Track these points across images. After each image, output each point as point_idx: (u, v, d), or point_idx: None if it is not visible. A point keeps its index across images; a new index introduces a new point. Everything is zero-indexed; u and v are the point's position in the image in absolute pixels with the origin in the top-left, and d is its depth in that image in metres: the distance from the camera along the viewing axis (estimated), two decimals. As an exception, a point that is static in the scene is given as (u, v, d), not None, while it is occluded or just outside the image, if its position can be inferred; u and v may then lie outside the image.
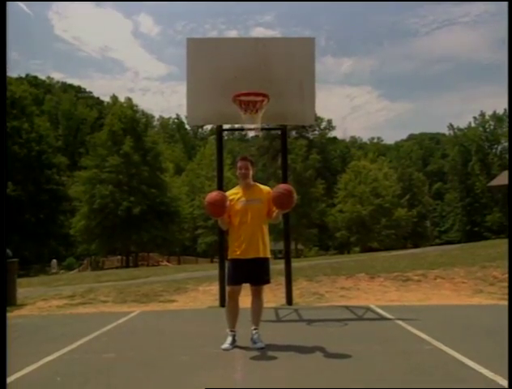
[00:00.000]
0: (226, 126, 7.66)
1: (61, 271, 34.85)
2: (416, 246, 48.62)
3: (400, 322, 5.45)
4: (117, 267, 36.60)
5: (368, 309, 6.61)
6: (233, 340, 4.39)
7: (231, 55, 6.59)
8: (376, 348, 4.29)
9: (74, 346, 4.70)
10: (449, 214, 60.46)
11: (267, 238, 4.49)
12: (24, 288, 11.30)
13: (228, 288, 4.51)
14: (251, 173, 4.50)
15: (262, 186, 4.55)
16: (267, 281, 4.47)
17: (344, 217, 45.79)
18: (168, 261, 42.66)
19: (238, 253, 4.35)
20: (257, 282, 4.43)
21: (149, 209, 36.53)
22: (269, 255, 4.48)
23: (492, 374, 3.32)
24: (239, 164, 4.51)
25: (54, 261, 36.45)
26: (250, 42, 6.83)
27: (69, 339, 5.00)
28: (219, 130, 7.27)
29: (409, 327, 5.14)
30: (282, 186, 4.47)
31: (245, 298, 4.58)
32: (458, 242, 47.38)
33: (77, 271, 36.91)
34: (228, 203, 4.31)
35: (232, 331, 4.45)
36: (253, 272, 4.36)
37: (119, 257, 40.18)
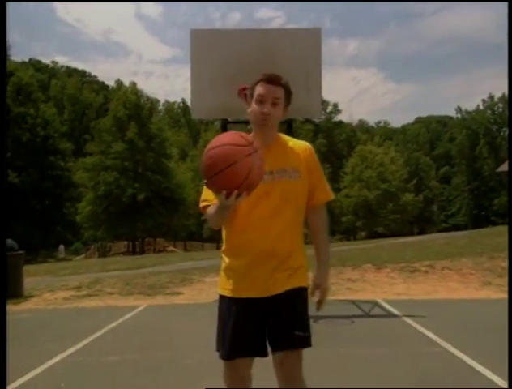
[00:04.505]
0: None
1: (68, 257, 35.13)
2: (422, 231, 48.52)
3: (408, 320, 5.40)
4: (123, 253, 36.88)
5: (375, 303, 6.57)
6: None
7: (236, 47, 6.42)
8: (383, 350, 4.23)
9: (78, 347, 4.68)
10: (456, 198, 60.10)
11: (303, 248, 2.06)
12: (31, 277, 11.37)
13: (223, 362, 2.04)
14: (281, 112, 2.03)
15: (295, 142, 2.10)
16: (306, 340, 1.96)
17: (350, 202, 45.62)
18: (174, 246, 42.92)
19: (236, 287, 1.97)
20: (285, 343, 1.93)
21: (154, 195, 36.55)
22: (306, 283, 2.04)
23: (503, 382, 3.25)
24: (260, 89, 1.99)
25: (62, 246, 36.98)
26: (256, 34, 6.66)
27: (73, 338, 4.98)
28: (223, 124, 7.15)
29: (417, 326, 5.09)
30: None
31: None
32: (465, 227, 47.18)
33: (84, 256, 37.27)
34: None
35: None
36: (272, 323, 1.95)
37: (126, 242, 40.44)
